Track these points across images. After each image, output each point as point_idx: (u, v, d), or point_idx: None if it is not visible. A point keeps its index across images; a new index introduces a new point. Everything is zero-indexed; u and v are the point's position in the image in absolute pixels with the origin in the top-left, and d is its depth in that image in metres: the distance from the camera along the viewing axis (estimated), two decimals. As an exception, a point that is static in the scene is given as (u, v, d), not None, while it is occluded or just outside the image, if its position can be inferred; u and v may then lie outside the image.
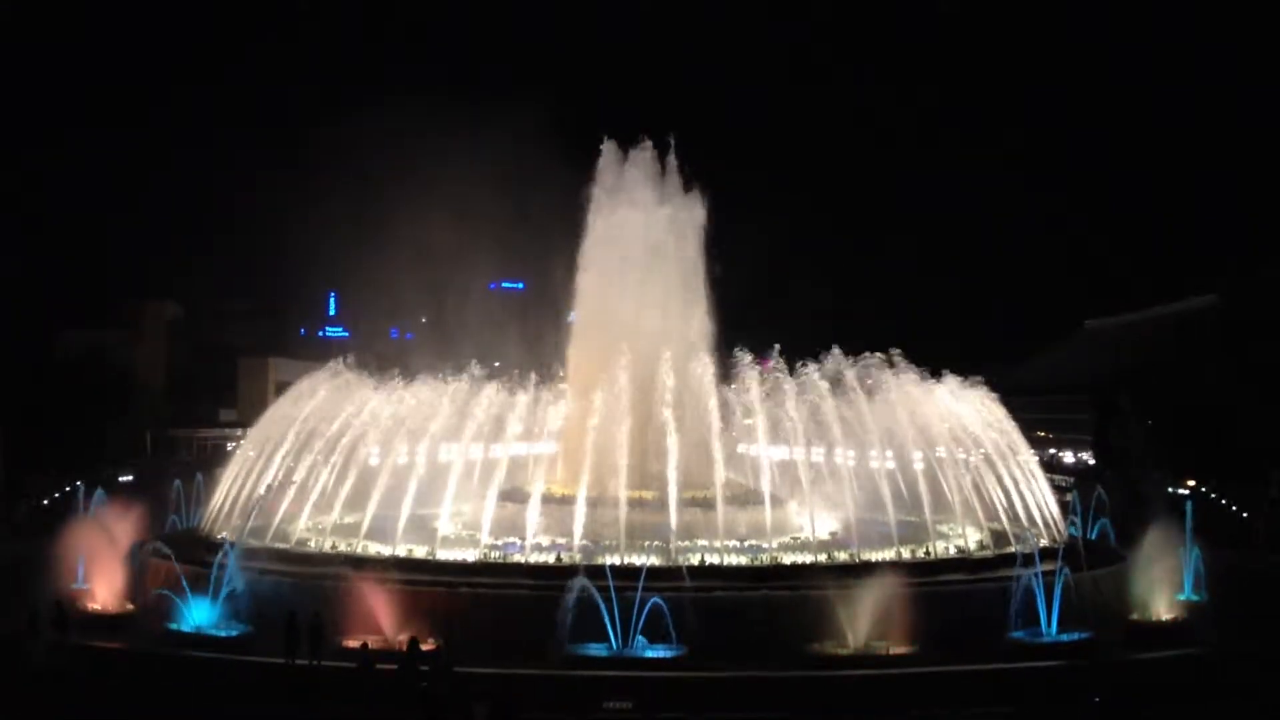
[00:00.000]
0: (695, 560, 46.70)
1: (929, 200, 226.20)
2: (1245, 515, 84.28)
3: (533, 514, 50.98)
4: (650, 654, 40.09)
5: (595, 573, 41.79)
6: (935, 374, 58.19)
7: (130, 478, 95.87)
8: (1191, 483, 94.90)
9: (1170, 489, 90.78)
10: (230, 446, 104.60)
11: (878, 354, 57.61)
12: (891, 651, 40.65)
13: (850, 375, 56.19)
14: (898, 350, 57.70)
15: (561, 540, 49.27)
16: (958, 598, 44.63)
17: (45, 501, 77.06)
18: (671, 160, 62.44)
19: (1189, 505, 56.41)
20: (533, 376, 58.94)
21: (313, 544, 50.17)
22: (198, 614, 43.09)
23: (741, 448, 58.97)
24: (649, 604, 40.38)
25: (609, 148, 62.79)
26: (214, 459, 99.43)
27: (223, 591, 43.49)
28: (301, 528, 51.91)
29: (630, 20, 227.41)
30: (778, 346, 58.83)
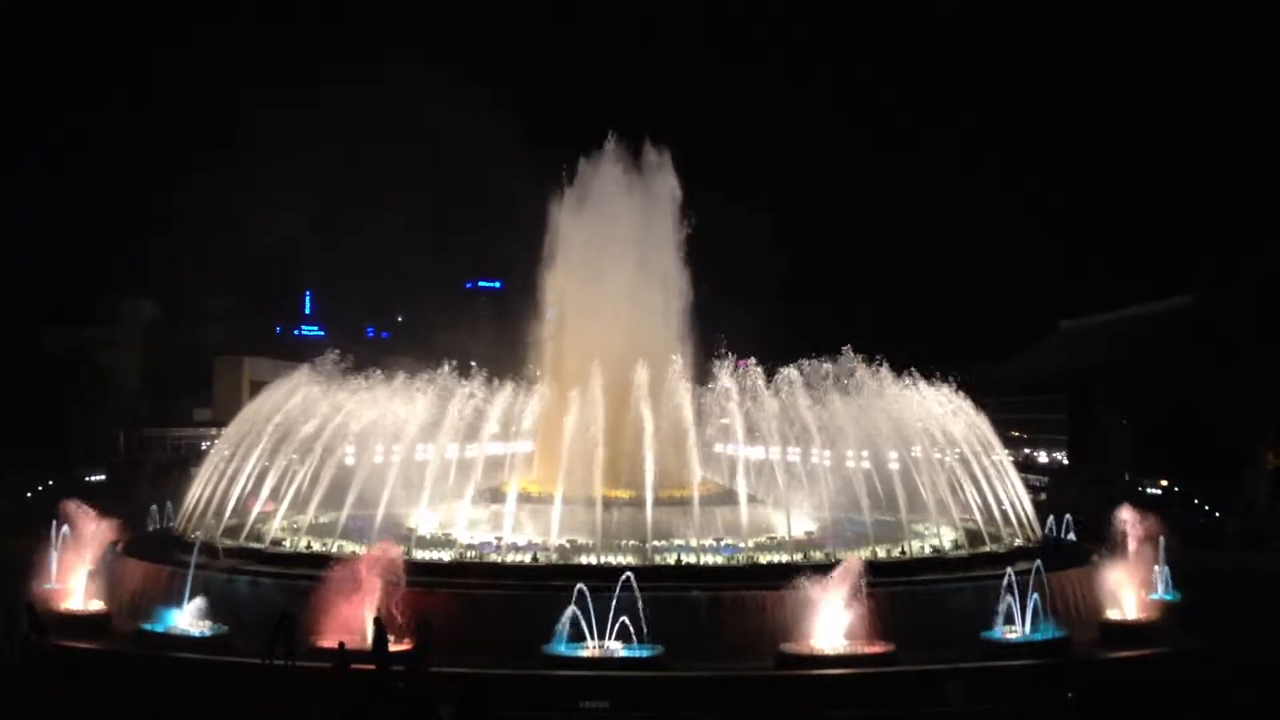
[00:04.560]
0: (672, 560, 46.73)
1: (908, 202, 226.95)
2: (1218, 515, 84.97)
3: (509, 514, 50.90)
4: (626, 653, 40.07)
5: (571, 573, 41.72)
6: (911, 374, 58.47)
7: (103, 477, 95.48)
8: (1165, 482, 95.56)
9: (1144, 489, 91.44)
10: (205, 445, 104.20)
11: (856, 355, 57.79)
12: (867, 650, 40.73)
13: (827, 375, 56.37)
14: (878, 356, 57.92)
15: (538, 540, 49.20)
16: (933, 597, 44.78)
17: (29, 495, 76.75)
18: (650, 159, 62.48)
19: (1163, 505, 56.85)
20: (509, 376, 58.85)
21: (287, 544, 49.98)
22: (172, 614, 42.85)
23: (718, 447, 58.99)
24: (625, 604, 40.36)
25: (589, 147, 62.84)
26: (188, 458, 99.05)
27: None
28: (276, 527, 51.67)
29: (624, 18, 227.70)
30: (754, 353, 59.05)
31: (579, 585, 40.55)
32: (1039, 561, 45.05)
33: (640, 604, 40.40)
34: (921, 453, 54.33)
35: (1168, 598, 50.12)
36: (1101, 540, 50.27)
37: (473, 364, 61.67)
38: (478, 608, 42.43)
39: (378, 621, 39.52)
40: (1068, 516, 63.06)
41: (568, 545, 48.59)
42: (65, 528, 49.17)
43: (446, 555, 47.87)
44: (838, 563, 44.93)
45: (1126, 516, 49.86)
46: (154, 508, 62.12)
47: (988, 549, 50.48)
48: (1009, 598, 43.12)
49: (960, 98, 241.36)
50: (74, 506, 50.06)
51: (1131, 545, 48.97)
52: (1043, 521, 58.74)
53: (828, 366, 57.23)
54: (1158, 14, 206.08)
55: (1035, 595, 43.35)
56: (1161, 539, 51.42)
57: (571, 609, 40.22)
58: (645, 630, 40.23)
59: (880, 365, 57.98)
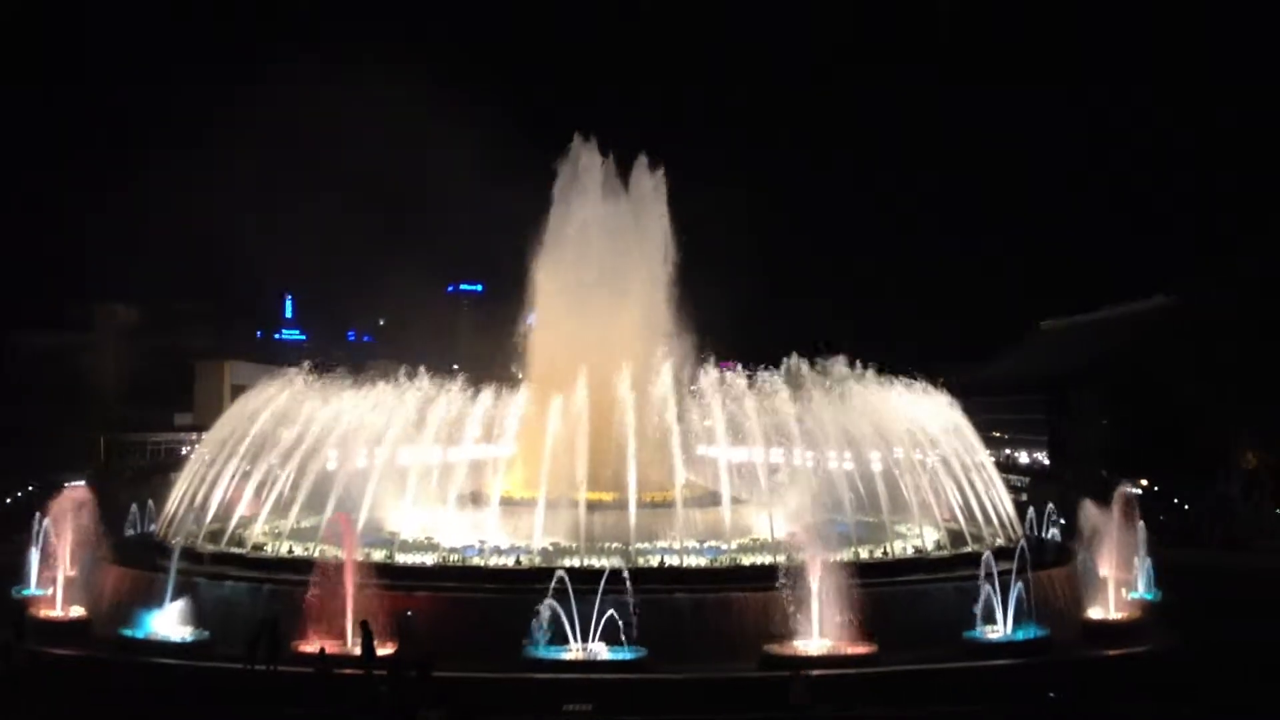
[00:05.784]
0: (655, 562, 46.74)
1: (889, 205, 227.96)
2: (1198, 514, 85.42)
3: (492, 517, 50.83)
4: (610, 656, 40.07)
5: (554, 576, 41.68)
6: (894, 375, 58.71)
7: (81, 482, 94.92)
8: (1144, 482, 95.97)
9: (1124, 488, 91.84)
10: (185, 450, 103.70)
11: (838, 356, 57.95)
12: (850, 651, 40.82)
13: (810, 377, 56.49)
14: (861, 359, 58.08)
15: (521, 543, 49.14)
16: (916, 597, 44.94)
17: (8, 500, 76.32)
18: (637, 162, 62.56)
19: (1142, 505, 57.10)
20: (491, 378, 58.76)
21: (269, 548, 49.82)
22: (152, 620, 42.62)
23: (701, 449, 59.03)
24: (609, 606, 40.36)
25: (572, 149, 62.74)
26: (169, 463, 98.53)
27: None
28: (258, 532, 51.50)
29: (609, 18, 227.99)
30: (737, 355, 59.13)
31: (563, 587, 40.53)
32: (1020, 561, 45.23)
33: (624, 606, 40.42)
34: (903, 454, 54.51)
35: (1148, 596, 50.46)
36: (1082, 539, 50.45)
37: (454, 366, 61.62)
38: (461, 611, 42.37)
39: (364, 625, 39.52)
40: (1049, 516, 63.37)
41: (551, 548, 48.56)
42: (47, 521, 48.88)
43: (429, 559, 47.77)
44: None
45: (1104, 515, 50.03)
46: (134, 513, 61.88)
47: (969, 549, 50.58)
48: (990, 597, 43.32)
49: (942, 103, 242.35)
50: (52, 512, 49.61)
51: (1111, 544, 49.21)
52: (1024, 521, 59.01)
53: (809, 368, 57.31)
54: (1141, 13, 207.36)
55: (1016, 595, 43.54)
56: (1142, 538, 51.79)
57: (555, 612, 40.21)
58: (630, 633, 40.23)
59: (865, 367, 58.17)
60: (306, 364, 60.53)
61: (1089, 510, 50.17)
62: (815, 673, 39.59)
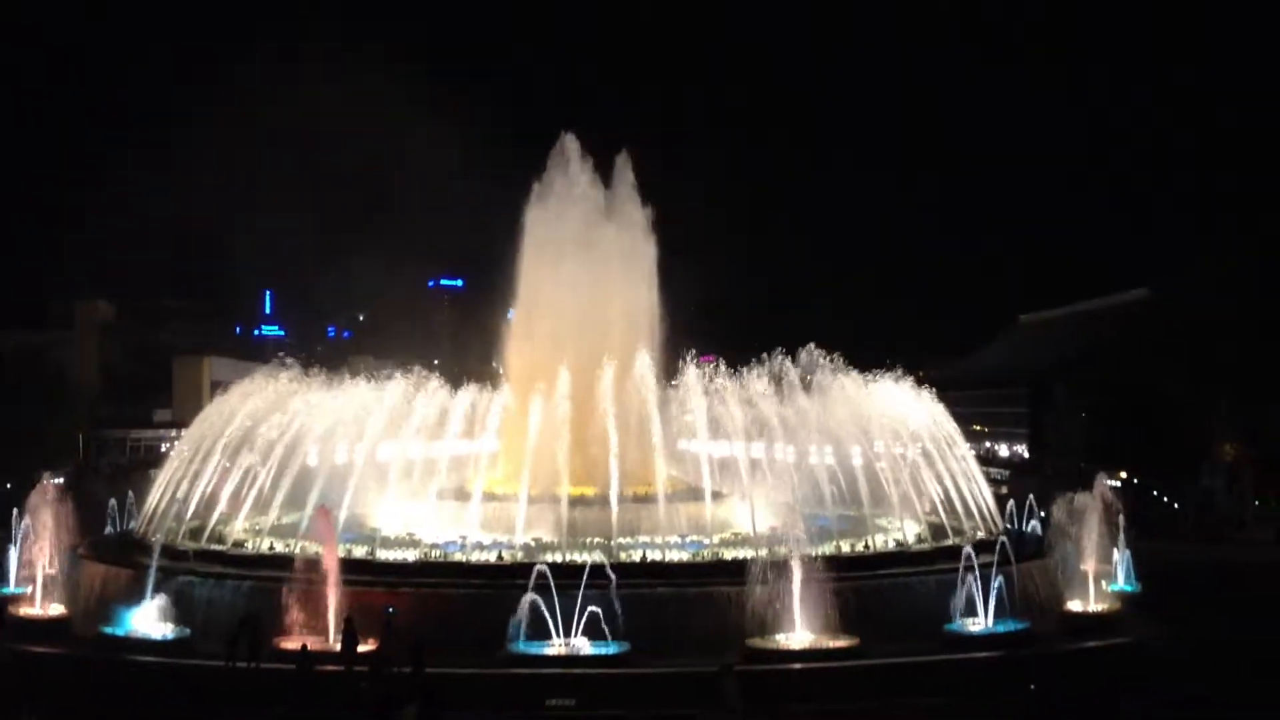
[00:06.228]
0: (637, 557, 46.79)
1: (870, 201, 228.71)
2: (1176, 506, 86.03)
3: (474, 513, 50.79)
4: (593, 651, 40.11)
5: (536, 571, 41.69)
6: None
7: (61, 480, 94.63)
8: (1124, 475, 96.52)
9: (1103, 480, 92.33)
10: (165, 447, 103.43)
11: (819, 350, 58.05)
12: (832, 645, 40.96)
13: (791, 372, 56.60)
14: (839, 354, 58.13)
15: (503, 538, 49.13)
16: (897, 590, 45.02)
17: None
18: (620, 158, 62.58)
19: (1122, 497, 57.42)
20: (472, 373, 58.73)
21: (250, 545, 49.69)
22: (132, 617, 42.44)
23: (683, 444, 59.10)
24: (591, 601, 40.38)
25: (557, 146, 62.66)
26: (149, 459, 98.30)
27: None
28: (238, 528, 51.33)
29: (609, 18, 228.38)
30: (718, 350, 59.21)
31: (545, 582, 40.53)
32: (1000, 554, 45.41)
33: (606, 601, 40.46)
34: (884, 448, 54.63)
35: (1127, 588, 50.77)
36: (1061, 532, 50.68)
37: (435, 362, 61.54)
38: (443, 607, 42.34)
39: (348, 620, 39.49)
40: (1029, 509, 63.66)
41: (533, 544, 48.54)
42: (26, 519, 48.65)
43: (411, 555, 47.70)
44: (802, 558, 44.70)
45: (1083, 507, 50.27)
46: (113, 509, 61.62)
47: (950, 542, 50.74)
48: (971, 590, 43.51)
49: (927, 99, 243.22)
50: (32, 509, 49.33)
51: (1090, 537, 49.47)
52: (1004, 514, 59.25)
53: (792, 362, 57.43)
54: (1127, 12, 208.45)
55: (996, 587, 43.72)
56: (1121, 530, 52.06)
57: (537, 607, 40.23)
58: (612, 627, 40.29)
59: (839, 361, 58.28)
60: (288, 361, 60.29)
61: (1068, 503, 50.31)
62: (797, 666, 39.85)
